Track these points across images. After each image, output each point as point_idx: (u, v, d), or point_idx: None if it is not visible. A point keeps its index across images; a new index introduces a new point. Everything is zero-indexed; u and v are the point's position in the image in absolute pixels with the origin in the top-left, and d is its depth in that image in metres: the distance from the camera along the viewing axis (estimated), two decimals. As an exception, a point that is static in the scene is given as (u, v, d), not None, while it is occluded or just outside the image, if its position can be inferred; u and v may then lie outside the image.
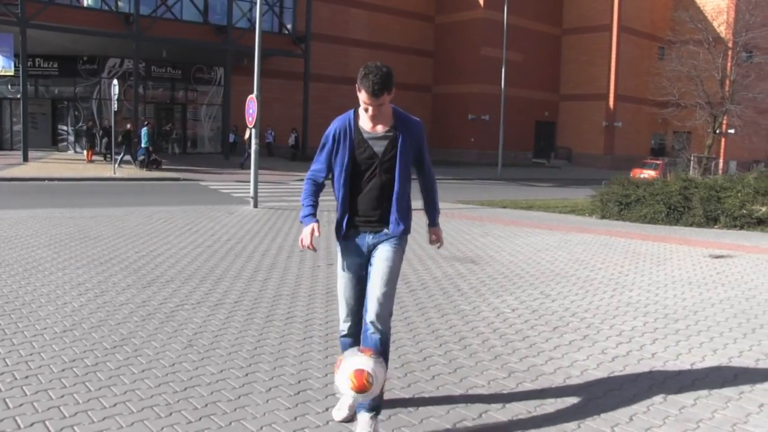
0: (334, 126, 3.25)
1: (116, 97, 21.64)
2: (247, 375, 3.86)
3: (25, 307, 5.17)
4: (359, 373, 2.80)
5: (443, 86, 42.51)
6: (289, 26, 32.58)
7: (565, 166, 42.31)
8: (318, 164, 3.30)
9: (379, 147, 3.20)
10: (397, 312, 5.38)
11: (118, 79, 23.15)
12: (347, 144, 3.19)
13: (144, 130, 24.32)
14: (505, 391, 3.72)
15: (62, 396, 3.46)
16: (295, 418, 3.27)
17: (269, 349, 4.35)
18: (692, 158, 28.12)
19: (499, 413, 3.41)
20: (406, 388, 3.73)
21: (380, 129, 3.21)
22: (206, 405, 3.39)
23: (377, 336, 3.10)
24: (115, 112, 22.54)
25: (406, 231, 3.30)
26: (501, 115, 33.02)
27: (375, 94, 3.05)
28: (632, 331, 5.02)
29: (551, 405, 3.53)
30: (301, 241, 3.17)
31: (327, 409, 3.38)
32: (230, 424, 3.18)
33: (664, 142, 45.49)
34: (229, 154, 30.07)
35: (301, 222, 3.24)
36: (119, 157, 23.88)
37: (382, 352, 3.09)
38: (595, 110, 42.94)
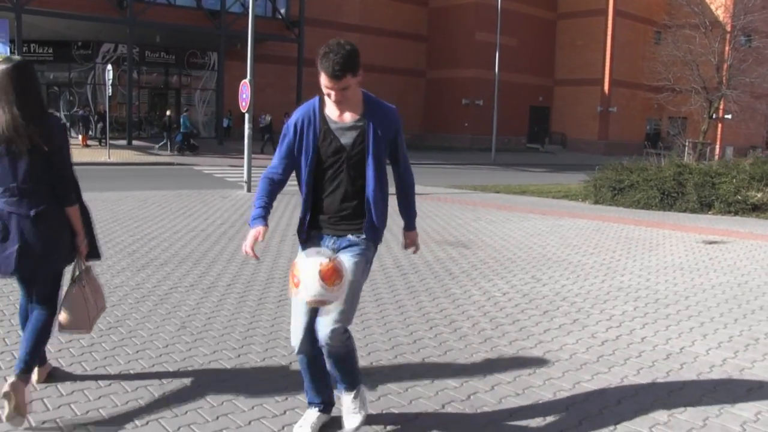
0: (296, 115, 2.88)
1: (110, 82, 21.58)
2: (239, 356, 3.91)
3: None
4: (327, 264, 2.56)
5: (437, 71, 42.37)
6: (282, 11, 32.38)
7: (559, 151, 42.33)
8: (276, 159, 2.92)
9: (346, 139, 2.82)
10: (388, 295, 5.43)
11: (112, 64, 23.08)
12: (311, 135, 2.82)
13: (184, 116, 25.68)
14: (494, 374, 3.77)
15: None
16: (286, 399, 3.32)
17: (261, 331, 4.39)
18: (687, 144, 28.17)
19: (487, 395, 3.47)
20: (396, 369, 3.78)
21: (348, 118, 2.83)
22: (199, 386, 3.44)
23: (336, 353, 2.79)
24: (109, 97, 22.48)
25: (378, 238, 2.92)
26: (495, 100, 32.99)
27: (335, 75, 2.66)
28: (622, 316, 5.08)
29: (539, 388, 3.59)
30: (243, 247, 2.77)
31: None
32: (222, 404, 3.23)
33: (659, 127, 45.51)
34: (224, 139, 30.01)
35: (249, 225, 2.83)
36: (161, 143, 25.76)
37: (345, 366, 2.86)
38: (589, 95, 42.88)
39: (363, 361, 3.84)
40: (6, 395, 2.84)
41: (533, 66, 42.95)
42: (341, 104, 2.78)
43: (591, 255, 7.62)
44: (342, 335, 2.74)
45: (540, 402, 3.39)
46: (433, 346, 4.22)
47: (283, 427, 3.02)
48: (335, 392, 3.05)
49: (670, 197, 12.74)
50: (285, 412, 3.17)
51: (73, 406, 3.15)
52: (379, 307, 5.07)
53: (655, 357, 4.14)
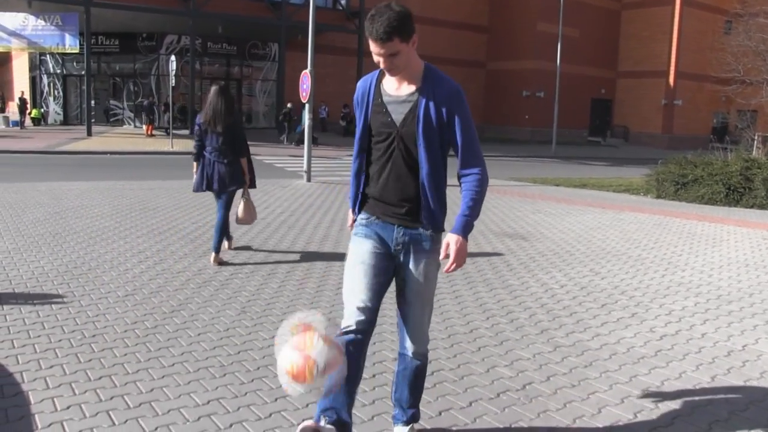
0: (358, 88, 2.68)
1: (173, 72, 22.13)
2: (297, 341, 3.99)
3: (91, 272, 5.44)
4: (303, 360, 2.18)
5: (497, 62, 41.87)
6: (342, 2, 32.56)
7: (621, 144, 41.31)
8: (356, 141, 2.73)
9: (398, 113, 2.53)
10: (445, 285, 5.45)
11: (175, 55, 23.67)
12: (365, 107, 2.62)
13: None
14: (550, 365, 3.76)
15: (125, 354, 3.67)
16: (343, 383, 3.39)
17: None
18: (756, 137, 27.04)
19: (542, 385, 3.46)
20: (452, 358, 3.81)
21: (404, 90, 2.54)
22: (258, 368, 3.54)
23: (418, 362, 2.71)
24: (172, 87, 23.08)
25: (438, 226, 2.61)
26: (556, 92, 32.38)
27: (380, 38, 2.37)
28: (682, 311, 4.97)
29: (595, 380, 3.56)
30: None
31: (374, 375, 3.49)
32: (280, 386, 3.31)
33: (726, 120, 43.85)
34: (283, 129, 30.42)
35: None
36: (282, 135, 27.07)
37: (419, 383, 2.76)
38: (654, 88, 41.62)
39: (418, 349, 3.88)
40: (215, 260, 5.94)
41: (596, 57, 41.97)
42: (393, 72, 2.49)
43: (651, 249, 7.45)
44: (426, 342, 2.69)
45: (595, 394, 3.37)
46: (489, 336, 4.22)
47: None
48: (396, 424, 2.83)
49: (736, 193, 12.29)
50: (341, 395, 3.24)
51: (138, 384, 3.29)
52: (437, 297, 5.07)
53: (716, 353, 4.04)
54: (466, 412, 3.11)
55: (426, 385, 3.34)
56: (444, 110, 2.49)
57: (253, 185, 6.35)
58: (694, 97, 41.99)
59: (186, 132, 27.79)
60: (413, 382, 2.74)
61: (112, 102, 32.50)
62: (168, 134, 26.61)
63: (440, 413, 3.09)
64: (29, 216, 8.03)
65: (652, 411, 3.19)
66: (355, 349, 2.44)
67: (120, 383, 3.28)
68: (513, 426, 2.98)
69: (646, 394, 3.39)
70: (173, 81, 22.71)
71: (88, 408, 2.99)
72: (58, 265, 5.66)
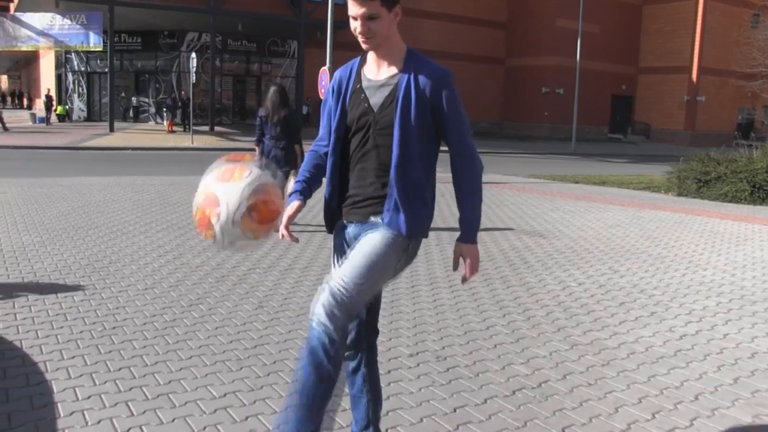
0: (336, 75, 2.40)
1: (194, 69, 22.30)
2: (314, 336, 4.01)
3: (112, 266, 5.51)
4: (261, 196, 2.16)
5: (516, 58, 41.65)
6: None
7: (642, 141, 40.91)
8: (321, 129, 2.46)
9: (376, 98, 2.26)
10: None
11: (196, 52, 23.83)
12: (342, 96, 2.34)
13: None
14: (566, 363, 3.74)
15: (144, 346, 3.71)
16: (359, 378, 3.40)
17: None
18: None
19: (558, 384, 3.44)
20: (468, 355, 3.80)
21: (384, 73, 2.28)
22: (274, 362, 3.56)
23: (316, 332, 2.13)
24: (193, 84, 23.26)
25: (403, 227, 2.21)
26: (576, 89, 32.13)
27: None
28: (703, 311, 4.91)
29: (612, 379, 3.53)
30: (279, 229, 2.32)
31: (389, 372, 3.49)
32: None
33: (752, 116, 43.21)
34: (303, 125, 30.57)
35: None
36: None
37: (325, 361, 2.11)
38: (676, 83, 41.12)
39: (435, 345, 3.89)
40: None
41: (616, 53, 41.57)
42: (370, 43, 2.20)
43: (672, 248, 7.37)
44: (338, 316, 2.12)
45: (612, 393, 3.34)
46: (505, 333, 4.21)
47: (354, 405, 3.09)
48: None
49: (761, 191, 12.10)
50: (356, 390, 3.25)
51: (156, 375, 3.32)
52: (453, 293, 5.09)
53: (739, 354, 3.99)
54: (480, 409, 3.11)
55: (441, 381, 3.36)
56: (428, 93, 2.21)
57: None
58: (718, 92, 41.41)
59: (206, 128, 27.99)
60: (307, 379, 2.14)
61: (140, 99, 32.81)
62: (186, 130, 26.87)
63: (455, 410, 3.08)
64: (53, 210, 8.14)
65: (670, 412, 3.15)
66: (353, 371, 2.39)
67: (139, 375, 3.32)
68: (528, 423, 2.97)
69: (665, 395, 3.36)
70: (194, 78, 22.89)
71: (108, 398, 3.04)
72: (80, 258, 5.74)
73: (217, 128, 28.69)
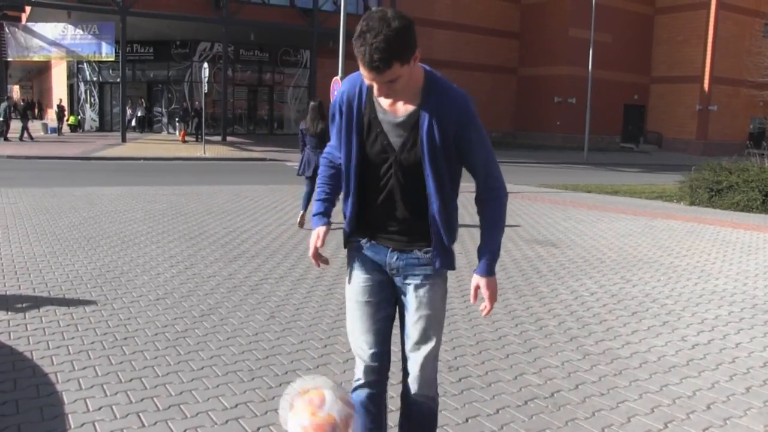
0: (341, 91, 2.22)
1: (206, 79, 22.45)
2: (326, 346, 4.02)
3: (123, 276, 5.54)
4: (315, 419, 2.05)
5: (529, 68, 41.63)
6: (374, 8, 32.73)
7: (654, 151, 40.70)
8: (334, 139, 2.31)
9: (396, 137, 2.12)
10: (473, 292, 5.42)
11: (208, 62, 23.99)
12: (354, 126, 2.17)
13: None
14: (578, 373, 3.72)
15: (155, 357, 3.72)
16: (370, 388, 3.40)
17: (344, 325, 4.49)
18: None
19: (571, 394, 3.42)
20: (480, 365, 3.79)
21: (401, 109, 2.11)
22: (286, 372, 3.57)
23: (427, 405, 2.27)
24: (205, 94, 23.42)
25: (448, 264, 2.22)
26: (588, 99, 32.04)
27: (375, 67, 1.93)
28: (715, 320, 4.88)
29: (625, 389, 3.51)
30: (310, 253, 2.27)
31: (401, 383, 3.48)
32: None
33: (764, 125, 42.94)
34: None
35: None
36: None
37: (429, 423, 2.31)
38: (688, 93, 40.93)
39: (447, 355, 3.88)
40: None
41: (628, 63, 41.47)
42: (390, 98, 2.09)
43: (684, 257, 7.33)
44: (434, 381, 2.26)
45: (624, 403, 3.32)
46: (517, 343, 4.19)
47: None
48: None
49: (774, 200, 12.02)
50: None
51: (168, 387, 3.33)
52: (465, 303, 5.08)
53: (751, 364, 3.96)
54: (493, 419, 3.10)
55: (453, 391, 3.35)
56: (453, 129, 2.08)
57: None
58: (730, 102, 41.21)
59: (218, 138, 28.15)
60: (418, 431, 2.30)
61: (155, 109, 33.06)
62: (198, 140, 27.02)
63: (467, 420, 3.08)
64: (65, 220, 8.20)
65: (683, 422, 3.13)
66: (371, 403, 2.27)
67: (150, 385, 3.33)
68: (540, 434, 2.96)
69: (677, 404, 3.33)
70: (206, 88, 23.04)
71: (119, 409, 3.05)
72: (92, 268, 5.78)
73: (229, 138, 28.84)
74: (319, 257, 2.26)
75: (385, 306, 2.26)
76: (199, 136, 26.33)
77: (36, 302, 4.71)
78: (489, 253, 2.20)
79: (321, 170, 2.37)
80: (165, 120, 32.70)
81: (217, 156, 22.60)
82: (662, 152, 40.38)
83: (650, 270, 6.59)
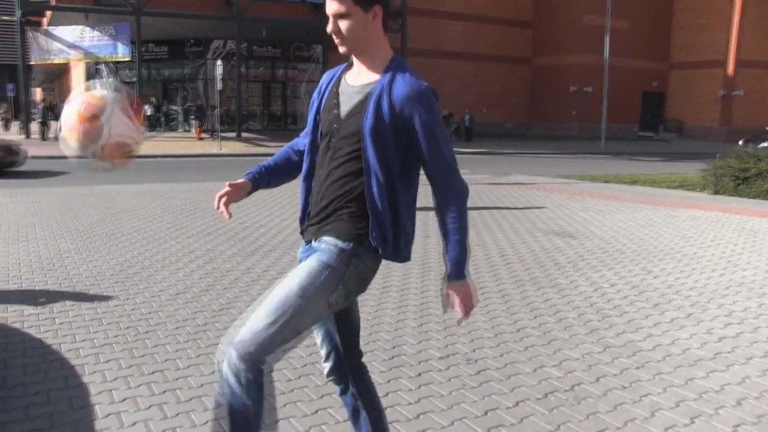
0: (321, 82, 2.25)
1: (220, 77, 22.54)
2: (344, 340, 4.00)
3: (144, 271, 5.58)
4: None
5: (543, 58, 41.32)
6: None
7: (674, 139, 40.25)
8: (305, 134, 2.27)
9: (347, 105, 2.08)
10: (492, 283, 5.39)
11: (221, 59, 24.11)
12: (316, 102, 2.19)
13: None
14: (599, 365, 3.67)
15: (177, 350, 3.75)
16: (389, 381, 3.38)
17: (365, 315, 4.48)
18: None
19: (592, 386, 3.38)
20: (499, 357, 3.76)
21: (362, 80, 2.10)
22: (305, 365, 3.56)
23: (230, 363, 1.97)
24: (219, 91, 23.52)
25: (388, 247, 2.10)
26: (604, 87, 31.74)
27: None
28: (744, 312, 4.77)
29: (648, 382, 3.45)
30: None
31: (420, 374, 3.47)
32: (326, 383, 3.32)
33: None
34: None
35: None
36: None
37: (228, 398, 1.99)
38: (710, 78, 40.23)
39: (465, 348, 3.85)
40: None
41: (646, 49, 40.96)
42: (341, 45, 2.06)
43: (709, 247, 7.22)
44: (245, 360, 1.95)
45: (648, 396, 3.27)
46: (536, 336, 4.15)
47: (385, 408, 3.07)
48: None
49: (803, 187, 11.76)
50: (387, 394, 3.23)
51: (190, 379, 3.35)
52: (483, 296, 5.05)
53: (780, 356, 3.88)
54: (512, 412, 3.07)
55: (472, 384, 3.33)
56: (401, 109, 2.00)
57: None
58: (757, 86, 40.29)
59: (233, 134, 28.26)
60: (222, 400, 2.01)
61: (171, 107, 33.26)
62: (213, 137, 27.13)
63: (486, 412, 3.05)
64: (87, 218, 8.28)
65: (711, 417, 3.06)
66: (346, 397, 2.29)
67: (172, 378, 3.35)
68: (561, 427, 2.92)
69: (704, 399, 3.28)
70: (220, 85, 23.13)
71: (142, 401, 3.08)
72: (114, 264, 5.82)
73: (244, 134, 28.95)
74: (226, 204, 2.15)
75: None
76: (215, 133, 26.47)
77: (62, 297, 4.77)
78: (451, 259, 2.06)
79: (280, 151, 2.37)
80: (181, 117, 32.88)
81: (233, 152, 22.70)
82: (683, 140, 39.91)
83: (673, 261, 6.50)
